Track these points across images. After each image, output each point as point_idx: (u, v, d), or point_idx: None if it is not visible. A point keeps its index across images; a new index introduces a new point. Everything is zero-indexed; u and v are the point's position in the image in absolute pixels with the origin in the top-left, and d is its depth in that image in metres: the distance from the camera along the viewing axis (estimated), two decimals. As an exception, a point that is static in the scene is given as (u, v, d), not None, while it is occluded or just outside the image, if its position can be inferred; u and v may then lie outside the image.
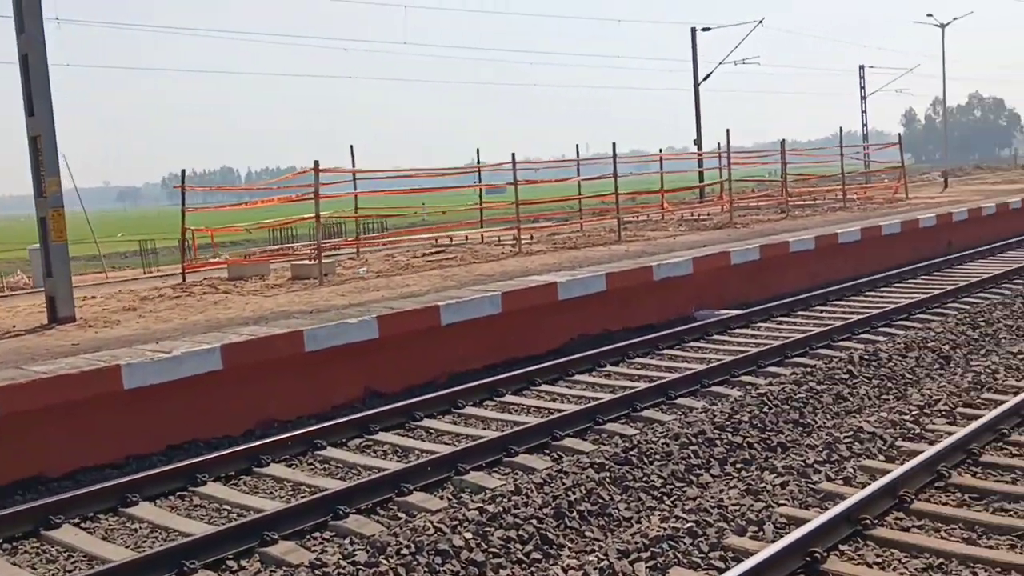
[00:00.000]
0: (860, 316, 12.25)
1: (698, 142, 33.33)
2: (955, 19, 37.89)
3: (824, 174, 28.12)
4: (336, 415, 9.29)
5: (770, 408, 8.21)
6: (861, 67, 53.06)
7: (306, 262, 14.42)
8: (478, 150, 20.31)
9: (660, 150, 24.27)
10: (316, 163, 13.94)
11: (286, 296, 12.49)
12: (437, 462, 7.37)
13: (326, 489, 7.05)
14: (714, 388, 9.44)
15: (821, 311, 13.56)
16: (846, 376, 9.19)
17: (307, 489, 7.32)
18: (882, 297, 14.39)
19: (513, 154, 17.24)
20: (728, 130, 20.87)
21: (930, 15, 37.31)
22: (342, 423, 8.69)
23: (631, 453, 7.25)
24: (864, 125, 53.89)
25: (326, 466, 7.94)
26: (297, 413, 9.34)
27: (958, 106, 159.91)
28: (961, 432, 6.93)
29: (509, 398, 9.66)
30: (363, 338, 9.81)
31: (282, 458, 8.02)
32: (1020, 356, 9.58)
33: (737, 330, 12.46)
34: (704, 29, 34.43)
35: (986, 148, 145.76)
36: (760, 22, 33.04)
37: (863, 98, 53.67)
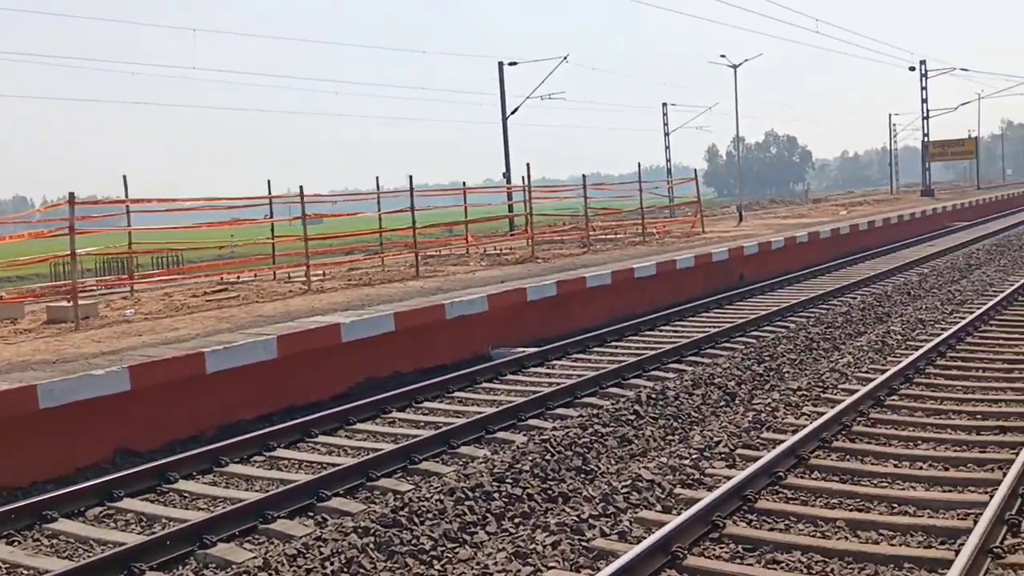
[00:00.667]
0: (652, 352, 12.19)
1: (507, 175, 33.44)
2: (746, 60, 40.08)
3: (625, 208, 28.71)
4: (79, 479, 8.23)
5: (553, 455, 7.82)
6: (664, 104, 55.34)
7: (64, 304, 13.05)
8: (269, 181, 19.31)
9: (464, 183, 23.99)
10: (71, 195, 12.65)
11: (32, 344, 11.17)
12: (179, 535, 6.51)
13: (47, 572, 6.09)
14: (500, 434, 9.00)
15: (616, 347, 13.46)
16: (632, 417, 8.96)
17: (25, 573, 6.32)
18: (675, 332, 14.49)
19: (301, 186, 16.47)
20: (528, 164, 20.86)
21: (723, 56, 39.31)
22: (80, 490, 7.65)
23: (401, 513, 6.66)
24: (668, 160, 56.09)
25: (55, 542, 6.91)
26: (31, 479, 8.20)
27: (755, 143, 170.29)
28: (738, 477, 6.74)
29: (280, 452, 8.87)
30: (112, 391, 8.77)
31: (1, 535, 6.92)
32: (799, 392, 9.66)
33: (532, 369, 12.14)
34: (511, 64, 34.74)
35: (782, 183, 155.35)
36: (565, 58, 33.66)
37: (667, 134, 55.91)
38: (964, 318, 13.20)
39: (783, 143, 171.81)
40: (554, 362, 12.49)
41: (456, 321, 12.73)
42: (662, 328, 14.88)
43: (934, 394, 9.48)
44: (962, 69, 49.48)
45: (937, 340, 11.48)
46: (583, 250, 21.96)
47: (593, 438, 8.29)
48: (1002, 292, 15.62)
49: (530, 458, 7.72)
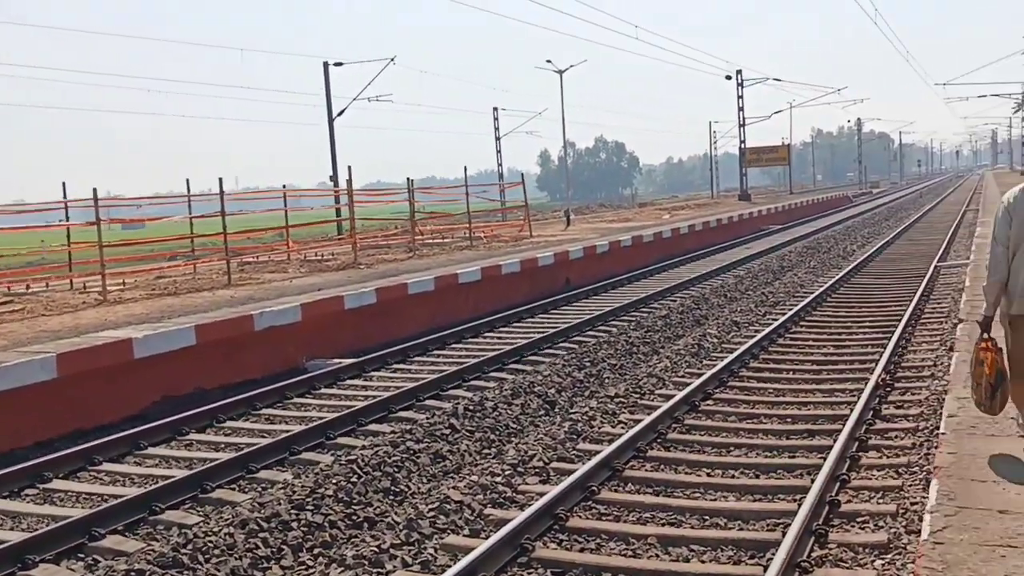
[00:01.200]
0: (474, 361, 11.84)
1: (334, 178, 32.49)
2: (571, 66, 40.59)
3: (453, 212, 28.41)
4: None
5: (360, 476, 7.32)
6: (495, 109, 55.55)
7: None
8: (64, 184, 17.84)
9: (284, 186, 22.96)
10: None
11: None
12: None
13: None
14: (305, 455, 8.40)
15: (438, 356, 13.06)
16: (448, 432, 8.56)
17: None
18: (499, 339, 14.22)
19: (95, 189, 15.22)
20: (349, 167, 20.23)
21: (549, 61, 39.64)
22: None
23: (184, 550, 5.99)
24: (500, 164, 56.36)
25: None
26: None
27: (586, 148, 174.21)
28: (550, 494, 6.44)
29: (56, 484, 7.97)
30: None
31: None
32: (617, 399, 9.52)
33: (348, 381, 11.56)
34: (336, 64, 33.81)
35: (611, 188, 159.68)
36: (392, 60, 33.05)
37: (498, 139, 56.15)
38: (777, 320, 13.54)
39: (612, 149, 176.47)
40: (372, 373, 11.96)
41: (266, 332, 11.99)
42: (486, 335, 14.58)
43: (747, 398, 9.55)
44: (775, 79, 52.09)
45: (751, 343, 11.66)
46: (409, 255, 21.47)
47: (405, 456, 7.84)
48: (812, 293, 16.20)
49: (335, 481, 7.19)
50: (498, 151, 56.27)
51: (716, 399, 9.48)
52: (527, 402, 9.64)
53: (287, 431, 9.06)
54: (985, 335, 5.67)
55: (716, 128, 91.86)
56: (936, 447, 5.83)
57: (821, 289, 16.57)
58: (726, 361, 10.64)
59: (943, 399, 7.13)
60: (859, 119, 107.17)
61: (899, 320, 12.94)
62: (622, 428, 8.48)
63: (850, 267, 20.05)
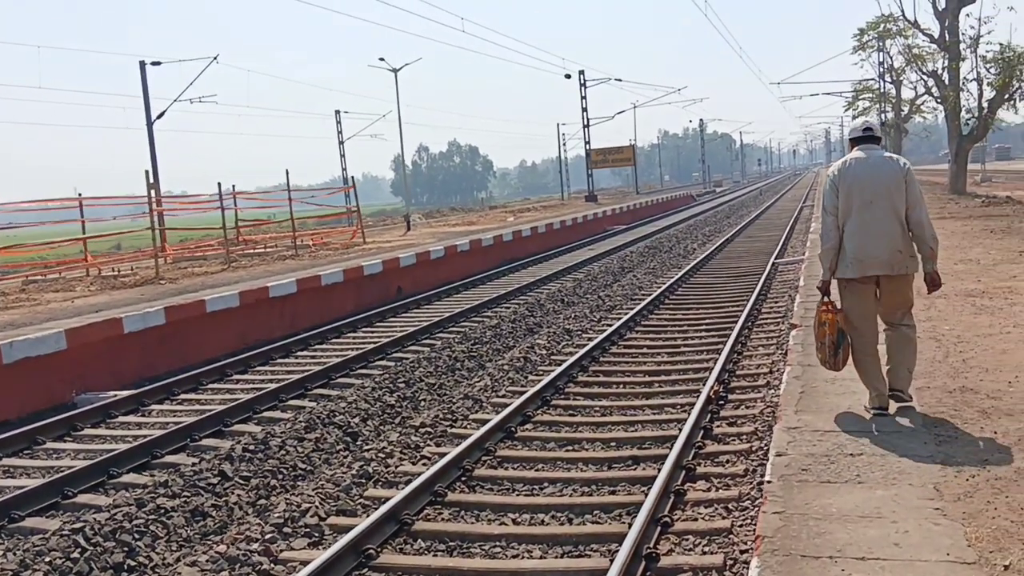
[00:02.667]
0: (274, 386, 10.40)
1: (154, 185, 30.00)
2: (406, 64, 39.19)
3: (276, 219, 26.64)
4: None
5: (86, 551, 5.83)
6: (337, 112, 53.64)
7: None
8: None
9: (79, 193, 20.71)
10: None
11: None
12: None
13: None
14: (29, 520, 6.80)
15: (237, 381, 11.54)
16: (216, 480, 7.14)
17: None
18: (312, 358, 12.79)
19: None
20: (147, 172, 18.30)
21: (382, 59, 38.09)
22: None
23: None
24: (344, 169, 54.47)
25: None
26: None
27: (440, 152, 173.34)
28: (315, 563, 5.15)
29: None
30: None
31: None
32: (423, 429, 8.31)
33: (121, 418, 9.93)
34: (154, 63, 31.36)
35: (466, 191, 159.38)
36: (215, 58, 30.87)
37: (341, 142, 54.25)
38: (611, 325, 12.68)
39: (466, 152, 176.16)
40: (153, 407, 10.35)
41: (21, 364, 10.20)
42: (299, 354, 13.12)
43: (570, 419, 8.51)
44: (616, 79, 52.14)
45: (581, 353, 10.69)
46: (223, 268, 19.64)
47: (152, 517, 6.38)
48: (650, 295, 15.49)
49: (50, 559, 5.69)
50: (342, 155, 54.38)
51: (536, 422, 8.41)
52: (323, 436, 8.31)
53: (18, 487, 7.41)
54: (825, 298, 6.08)
55: (565, 130, 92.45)
56: (762, 498, 4.81)
57: (659, 291, 15.88)
58: (552, 376, 9.60)
59: (778, 413, 6.23)
60: (701, 120, 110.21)
61: (735, 322, 12.28)
62: (423, 465, 7.29)
63: (689, 266, 19.55)
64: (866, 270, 5.86)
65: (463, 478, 6.95)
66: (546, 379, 9.49)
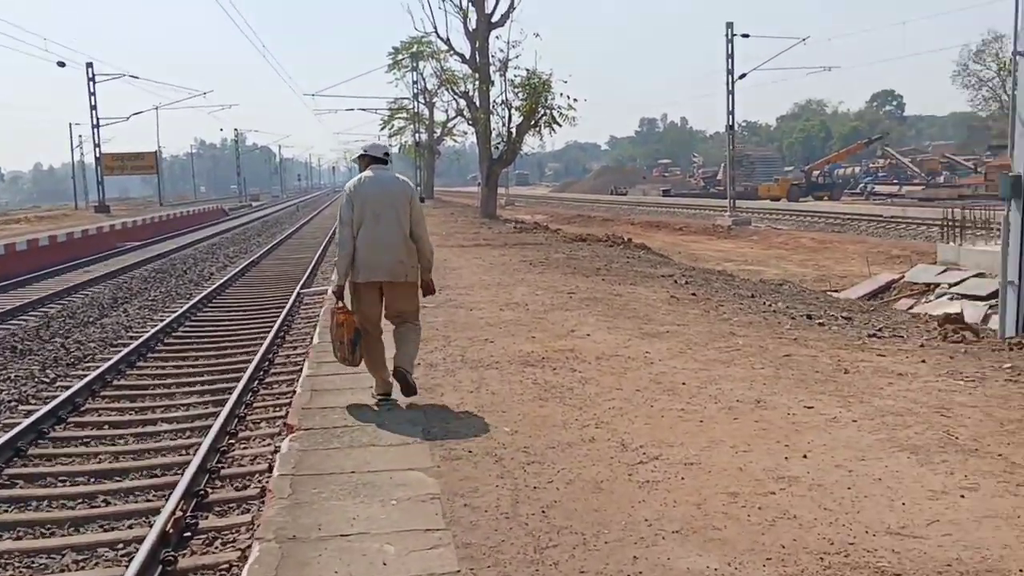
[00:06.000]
0: None
1: None
2: None
3: None
4: None
5: None
6: None
7: None
8: None
9: None
10: None
11: None
12: None
13: None
14: None
15: None
16: None
17: None
18: None
19: None
20: None
21: None
22: None
23: None
24: None
25: None
26: None
27: None
28: None
29: None
30: None
31: None
32: None
33: None
34: None
35: None
36: None
37: None
38: (66, 390, 9.09)
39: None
40: None
41: None
42: None
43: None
44: (132, 76, 46.28)
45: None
46: None
47: None
48: (138, 339, 12.01)
49: None
50: None
51: None
52: None
53: None
54: (340, 303, 6.51)
55: (83, 132, 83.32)
56: None
57: (152, 331, 12.46)
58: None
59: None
60: (236, 130, 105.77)
61: (237, 381, 9.37)
62: None
63: (201, 295, 16.26)
64: (372, 276, 6.41)
65: None
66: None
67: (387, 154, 6.78)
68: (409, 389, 6.41)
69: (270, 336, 11.92)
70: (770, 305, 11.56)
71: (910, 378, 6.74)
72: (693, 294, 12.14)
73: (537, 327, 9.40)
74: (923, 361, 7.40)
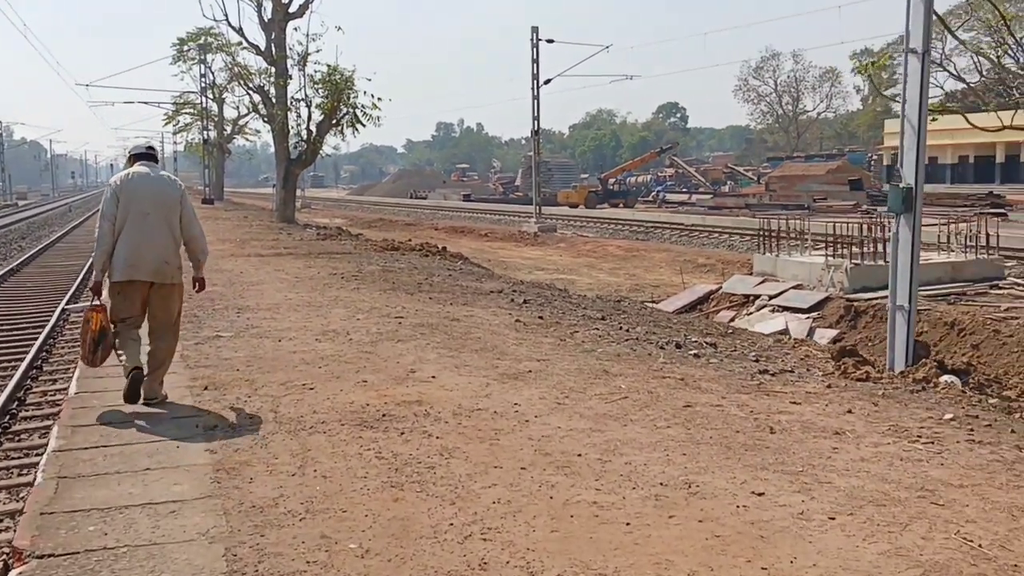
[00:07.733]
0: None
1: None
2: None
3: None
4: None
5: None
6: None
7: None
8: None
9: None
10: None
11: None
12: None
13: None
14: None
15: None
16: None
17: None
18: None
19: None
20: None
21: None
22: None
23: None
24: None
25: None
26: None
27: None
28: None
29: None
30: None
31: None
32: None
33: None
34: None
35: None
36: None
37: None
38: None
39: None
40: None
41: None
42: None
43: None
44: None
45: None
46: None
47: None
48: None
49: None
50: None
51: None
52: None
53: None
54: (96, 300, 6.32)
55: None
56: None
57: None
58: None
59: None
60: (2, 122, 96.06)
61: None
62: None
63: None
64: (134, 275, 6.19)
65: None
66: None
67: (152, 148, 6.77)
68: (134, 396, 6.17)
69: (20, 370, 9.45)
70: (627, 330, 10.23)
71: (851, 438, 5.47)
72: (540, 317, 10.65)
73: (367, 366, 7.59)
74: (850, 411, 6.17)
